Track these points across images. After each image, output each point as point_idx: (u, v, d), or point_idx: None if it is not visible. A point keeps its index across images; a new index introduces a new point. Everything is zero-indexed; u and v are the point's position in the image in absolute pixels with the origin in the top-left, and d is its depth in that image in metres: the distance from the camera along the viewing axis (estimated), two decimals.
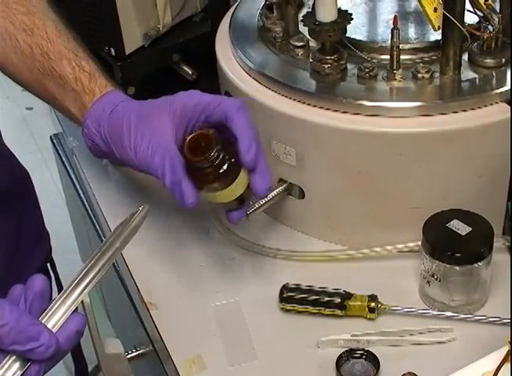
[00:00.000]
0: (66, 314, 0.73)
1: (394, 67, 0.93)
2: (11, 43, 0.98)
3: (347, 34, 0.96)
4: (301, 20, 0.97)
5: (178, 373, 0.88)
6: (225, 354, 0.89)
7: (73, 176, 1.24)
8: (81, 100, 0.96)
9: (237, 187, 0.86)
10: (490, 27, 0.93)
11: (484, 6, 0.92)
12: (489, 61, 0.94)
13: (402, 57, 0.93)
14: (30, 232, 1.03)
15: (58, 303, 0.73)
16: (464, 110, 0.91)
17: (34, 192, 1.09)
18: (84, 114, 0.96)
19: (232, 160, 0.84)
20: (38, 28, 0.98)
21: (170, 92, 1.24)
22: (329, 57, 0.95)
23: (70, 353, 0.81)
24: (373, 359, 0.85)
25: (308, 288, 0.92)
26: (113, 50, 1.17)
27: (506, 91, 0.91)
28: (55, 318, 0.72)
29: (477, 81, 0.93)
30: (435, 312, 0.90)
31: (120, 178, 1.16)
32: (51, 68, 0.97)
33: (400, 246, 0.95)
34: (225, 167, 0.84)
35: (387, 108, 0.91)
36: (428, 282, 0.90)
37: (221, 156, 0.83)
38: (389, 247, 0.96)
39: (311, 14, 0.94)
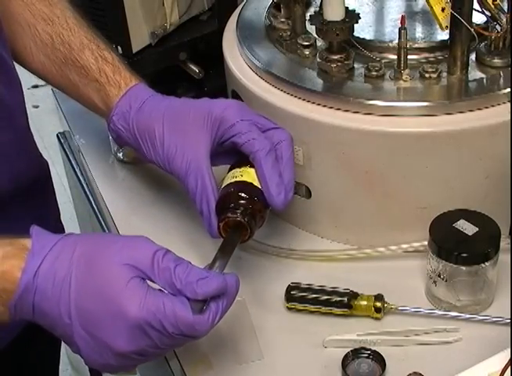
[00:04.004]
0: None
1: (402, 67, 0.93)
2: (30, 32, 0.98)
3: (354, 34, 0.96)
4: (309, 19, 0.97)
5: (184, 372, 0.88)
6: (231, 353, 0.89)
7: (79, 175, 1.24)
8: (105, 91, 0.96)
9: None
10: (498, 26, 0.93)
11: (493, 6, 0.92)
12: (497, 61, 0.94)
13: (410, 57, 0.93)
14: (50, 224, 1.03)
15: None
16: (471, 110, 0.91)
17: (52, 184, 1.10)
18: (109, 105, 0.96)
19: (261, 208, 0.88)
20: (58, 18, 0.99)
21: (177, 91, 1.25)
22: (336, 56, 0.95)
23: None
24: (379, 359, 0.85)
25: (315, 288, 0.92)
26: (120, 48, 1.17)
27: None
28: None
29: (485, 81, 0.93)
30: (441, 312, 0.90)
31: (126, 176, 1.16)
32: (73, 58, 0.97)
33: (405, 246, 0.95)
34: (255, 227, 0.87)
35: (395, 108, 0.91)
36: (435, 282, 0.90)
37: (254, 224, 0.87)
38: (397, 247, 0.96)
39: (319, 13, 0.94)
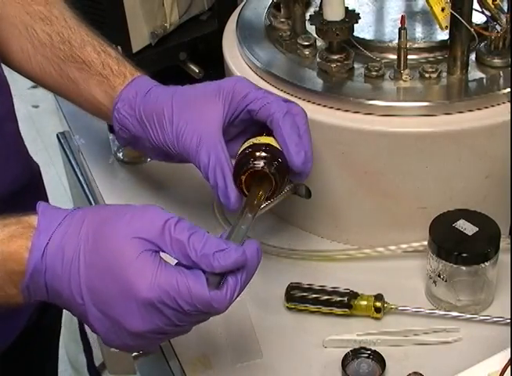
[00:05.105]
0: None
1: (402, 67, 0.93)
2: (27, 34, 0.96)
3: (354, 34, 0.96)
4: (309, 19, 0.97)
5: (183, 372, 0.88)
6: (230, 353, 0.89)
7: (79, 175, 1.24)
8: (109, 83, 0.93)
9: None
10: (498, 26, 0.93)
11: (492, 6, 0.92)
12: (497, 61, 0.94)
13: (409, 57, 0.93)
14: None
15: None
16: (471, 110, 0.91)
17: (45, 191, 1.09)
18: (113, 98, 0.93)
19: (284, 169, 0.83)
20: (57, 17, 0.97)
21: None
22: (336, 56, 0.95)
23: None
24: (378, 359, 0.85)
25: (314, 287, 0.92)
26: (120, 48, 1.17)
27: None
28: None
29: (485, 81, 0.93)
30: (441, 312, 0.90)
31: (126, 176, 1.16)
32: (73, 54, 0.95)
33: (405, 246, 0.95)
34: (277, 191, 0.83)
35: (394, 108, 0.91)
36: (434, 282, 0.90)
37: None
38: (397, 247, 0.96)
39: (319, 13, 0.94)
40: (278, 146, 0.84)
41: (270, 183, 0.81)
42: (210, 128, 0.85)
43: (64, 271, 0.71)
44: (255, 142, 0.84)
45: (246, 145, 0.85)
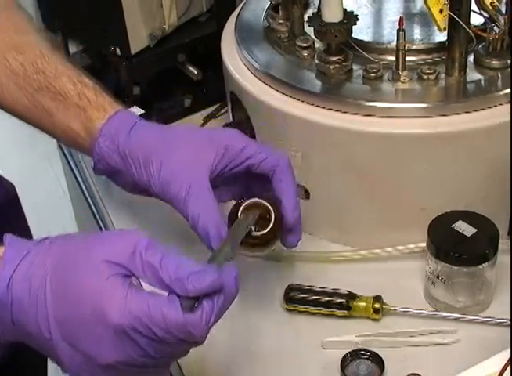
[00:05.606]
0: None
1: (400, 68, 0.93)
2: None
3: (352, 35, 0.96)
4: (307, 21, 0.97)
5: (182, 372, 0.88)
6: (229, 354, 0.89)
7: (78, 176, 1.24)
8: (86, 115, 0.90)
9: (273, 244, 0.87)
10: (496, 28, 0.93)
11: (490, 7, 0.92)
12: (495, 62, 0.94)
13: (408, 58, 0.93)
14: None
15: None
16: (470, 112, 0.91)
17: (22, 210, 1.06)
18: (90, 130, 0.90)
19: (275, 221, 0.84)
20: (30, 46, 0.93)
21: (175, 92, 1.25)
22: (334, 58, 0.95)
23: None
24: (377, 360, 0.85)
25: (314, 289, 0.92)
26: (118, 50, 1.17)
27: None
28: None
29: (483, 82, 0.93)
30: (440, 314, 0.90)
31: None
32: (48, 84, 0.91)
33: (405, 247, 0.95)
34: (271, 237, 0.84)
35: (393, 109, 0.91)
36: (433, 283, 0.90)
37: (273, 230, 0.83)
38: (396, 248, 0.96)
39: (317, 15, 0.94)
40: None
41: (260, 210, 0.83)
42: (199, 178, 0.84)
43: (31, 303, 0.67)
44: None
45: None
